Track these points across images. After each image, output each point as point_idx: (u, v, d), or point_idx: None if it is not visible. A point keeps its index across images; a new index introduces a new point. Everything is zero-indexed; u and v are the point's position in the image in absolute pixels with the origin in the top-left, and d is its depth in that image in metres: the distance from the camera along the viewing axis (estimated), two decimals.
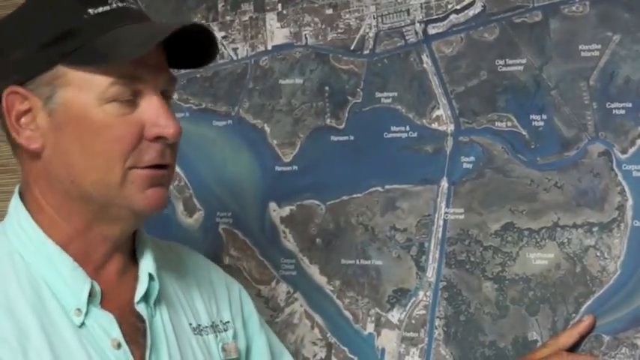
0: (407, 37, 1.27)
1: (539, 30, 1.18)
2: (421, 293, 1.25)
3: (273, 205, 1.37)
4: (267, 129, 1.37)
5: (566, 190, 1.17)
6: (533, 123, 1.19)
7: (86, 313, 0.92)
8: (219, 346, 1.05)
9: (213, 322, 1.06)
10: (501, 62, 1.21)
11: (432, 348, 1.24)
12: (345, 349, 1.30)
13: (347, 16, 1.31)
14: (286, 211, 1.36)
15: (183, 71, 1.35)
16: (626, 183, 1.14)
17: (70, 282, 0.92)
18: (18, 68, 0.91)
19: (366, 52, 1.30)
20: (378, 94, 1.29)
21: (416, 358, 1.25)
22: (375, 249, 1.29)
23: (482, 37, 1.22)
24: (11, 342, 0.86)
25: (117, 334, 0.93)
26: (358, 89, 1.30)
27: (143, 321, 0.96)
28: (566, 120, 1.17)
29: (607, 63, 1.15)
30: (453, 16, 1.24)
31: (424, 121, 1.26)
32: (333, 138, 1.32)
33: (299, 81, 1.35)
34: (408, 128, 1.27)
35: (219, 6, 1.41)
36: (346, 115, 1.31)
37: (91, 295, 0.92)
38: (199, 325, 1.04)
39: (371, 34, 1.30)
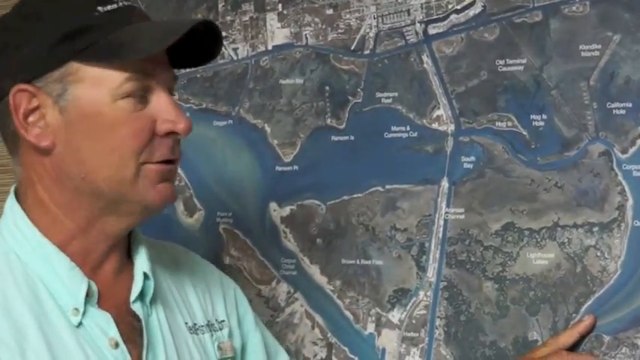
0: (407, 37, 1.27)
1: (540, 30, 1.18)
2: (422, 293, 1.25)
3: (273, 205, 1.37)
4: (268, 129, 1.37)
5: (567, 190, 1.17)
6: (533, 123, 1.19)
7: (83, 313, 0.91)
8: (215, 345, 1.05)
9: (208, 321, 1.06)
10: (501, 62, 1.21)
11: (432, 348, 1.24)
12: (346, 349, 1.30)
13: (347, 16, 1.31)
14: (287, 211, 1.36)
15: (183, 71, 1.35)
16: (627, 183, 1.13)
17: (68, 282, 0.92)
18: (25, 66, 0.91)
19: (367, 52, 1.30)
20: (378, 94, 1.29)
21: (416, 358, 1.25)
22: (376, 249, 1.29)
23: (482, 37, 1.22)
24: (9, 342, 0.86)
25: (114, 333, 0.92)
26: (359, 89, 1.30)
27: (139, 320, 0.96)
28: (566, 120, 1.17)
29: (607, 63, 1.14)
30: (453, 16, 1.24)
31: (424, 121, 1.26)
32: (334, 138, 1.32)
33: (299, 81, 1.35)
34: (408, 128, 1.27)
35: (220, 6, 1.41)
36: (347, 115, 1.31)
37: (88, 294, 0.92)
38: (195, 324, 1.04)
39: (371, 34, 1.30)
